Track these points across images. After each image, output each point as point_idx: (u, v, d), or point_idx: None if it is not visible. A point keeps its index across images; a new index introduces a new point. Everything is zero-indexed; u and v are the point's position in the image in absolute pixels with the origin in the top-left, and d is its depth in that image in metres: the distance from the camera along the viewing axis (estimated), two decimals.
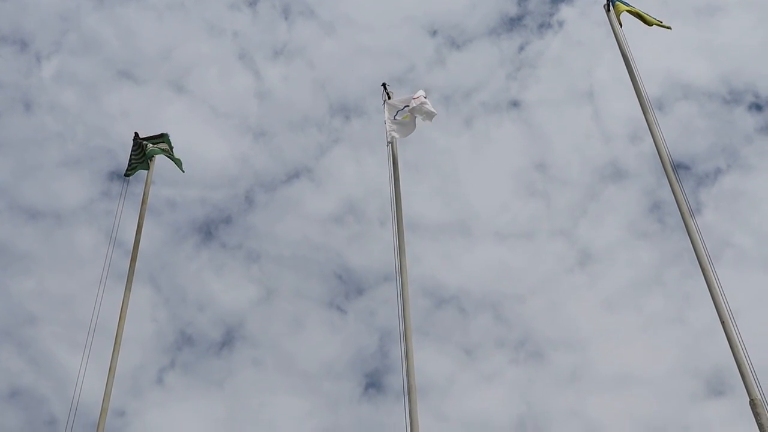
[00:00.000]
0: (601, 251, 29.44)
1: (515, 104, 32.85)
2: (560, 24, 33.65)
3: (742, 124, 30.20)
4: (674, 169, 11.80)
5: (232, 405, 28.65)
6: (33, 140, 30.31)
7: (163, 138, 15.58)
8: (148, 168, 15.05)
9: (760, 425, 8.73)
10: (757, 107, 30.04)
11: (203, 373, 28.93)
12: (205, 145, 30.56)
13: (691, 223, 11.10)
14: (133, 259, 12.40)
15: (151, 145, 15.29)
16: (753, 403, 8.91)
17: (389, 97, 14.43)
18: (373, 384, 28.17)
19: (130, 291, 11.95)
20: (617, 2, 14.47)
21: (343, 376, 28.84)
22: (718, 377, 26.62)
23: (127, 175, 15.25)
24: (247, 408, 28.41)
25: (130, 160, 15.38)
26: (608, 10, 14.39)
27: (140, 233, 13.10)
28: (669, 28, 14.71)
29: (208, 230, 29.52)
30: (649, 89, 13.83)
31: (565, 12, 33.95)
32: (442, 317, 28.07)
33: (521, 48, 33.65)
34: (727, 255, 26.65)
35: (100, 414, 10.55)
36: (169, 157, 15.51)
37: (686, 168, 28.76)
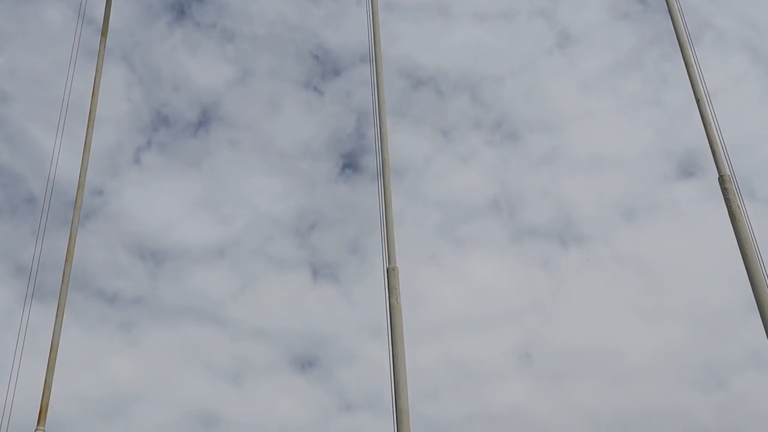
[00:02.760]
0: (581, 33, 29.21)
1: None
2: None
3: None
4: None
5: (209, 185, 29.01)
6: None
7: None
8: None
9: (727, 200, 8.96)
10: None
11: (180, 153, 29.11)
12: None
13: (673, 2, 10.94)
14: (104, 34, 12.14)
15: None
16: (722, 179, 9.11)
17: None
18: (349, 165, 28.47)
19: (102, 63, 11.78)
20: None
21: (319, 157, 29.10)
22: (690, 159, 27.12)
23: None
24: (224, 188, 28.80)
25: None
26: None
27: (110, 7, 12.80)
28: None
29: (180, 8, 28.86)
30: None
31: None
32: (418, 99, 28.11)
33: None
34: (707, 37, 26.51)
35: (77, 189, 10.64)
36: None
37: None
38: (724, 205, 9.18)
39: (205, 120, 28.86)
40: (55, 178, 11.29)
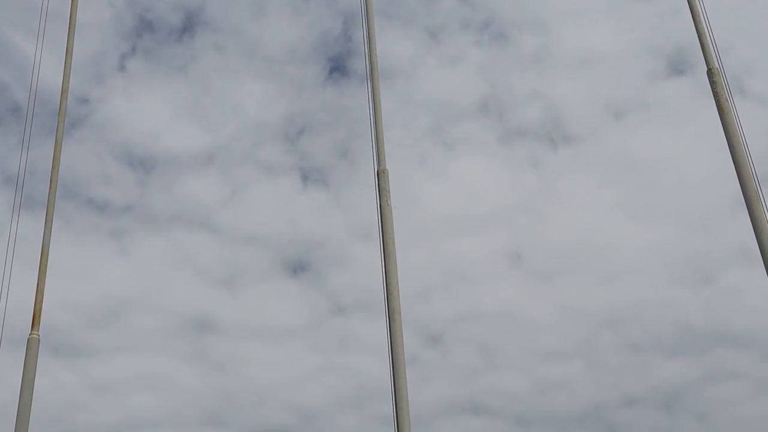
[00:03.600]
0: None
1: None
2: None
3: None
4: None
5: (196, 91, 28.74)
6: None
7: None
8: None
9: (715, 93, 8.90)
10: None
11: (166, 59, 28.75)
12: None
13: None
14: None
15: None
16: (710, 72, 9.03)
17: None
18: (337, 68, 28.21)
19: None
20: None
21: (306, 61, 28.79)
22: (680, 56, 26.94)
23: None
24: (211, 94, 28.53)
25: None
26: None
27: None
28: None
29: None
30: None
31: None
32: None
33: None
34: None
35: (61, 94, 10.53)
36: None
37: None
38: (713, 101, 9.13)
39: (189, 25, 28.45)
40: (39, 86, 11.17)
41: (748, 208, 8.65)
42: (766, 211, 8.57)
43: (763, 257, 8.40)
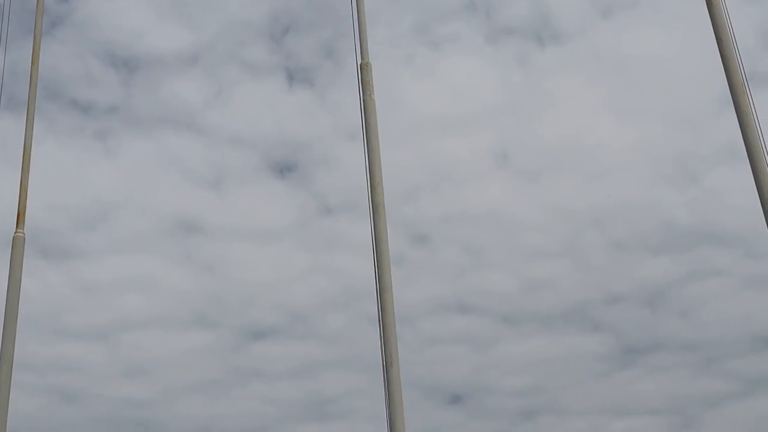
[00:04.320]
0: None
1: None
2: None
3: None
4: None
5: None
6: None
7: None
8: None
9: None
10: None
11: None
12: None
13: None
14: None
15: None
16: None
17: None
18: None
19: None
20: None
21: None
22: None
23: None
24: None
25: None
26: None
27: None
28: None
29: None
30: None
31: None
32: None
33: None
34: None
35: None
36: None
37: None
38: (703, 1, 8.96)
39: None
40: None
41: (734, 102, 8.60)
42: (752, 104, 8.53)
43: (748, 152, 8.39)
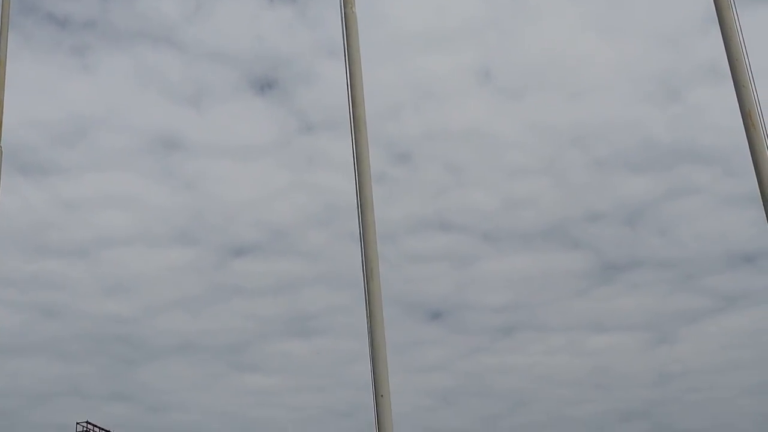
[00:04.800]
0: None
1: None
2: None
3: None
4: None
5: None
6: None
7: None
8: None
9: None
10: None
11: None
12: None
13: None
14: None
15: None
16: None
17: None
18: None
19: None
20: None
21: None
22: None
23: None
24: None
25: None
26: None
27: None
28: None
29: None
30: None
31: None
32: None
33: None
34: None
35: None
36: None
37: None
38: None
39: None
40: None
41: (719, 19, 8.53)
42: (737, 21, 8.46)
43: (731, 69, 8.35)
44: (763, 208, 9.13)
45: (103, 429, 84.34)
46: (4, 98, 8.99)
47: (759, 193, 9.17)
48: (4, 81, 9.13)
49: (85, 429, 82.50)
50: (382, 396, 8.68)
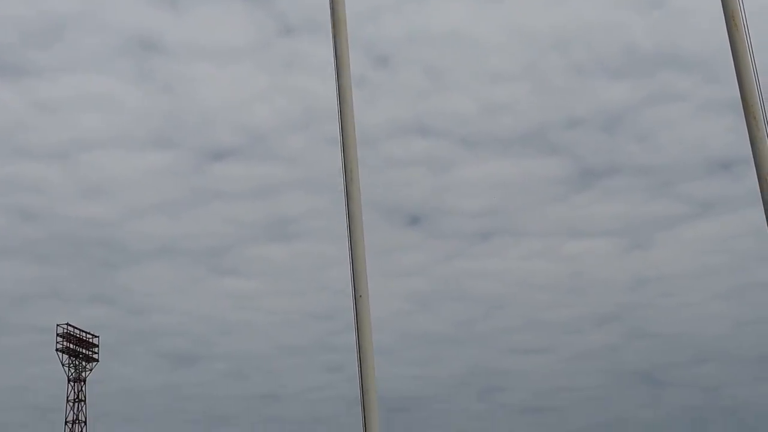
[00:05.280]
0: None
1: None
2: None
3: None
4: None
5: None
6: None
7: None
8: None
9: None
10: None
11: None
12: None
13: None
14: None
15: None
16: None
17: None
18: None
19: None
20: None
21: None
22: None
23: None
24: None
25: None
26: None
27: None
28: None
29: None
30: None
31: None
32: None
33: None
34: None
35: None
36: None
37: None
38: None
39: None
40: None
41: None
42: None
43: None
44: (743, 111, 9.16)
45: (83, 331, 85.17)
46: None
47: (739, 99, 9.20)
48: None
49: (65, 331, 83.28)
50: (360, 296, 8.81)
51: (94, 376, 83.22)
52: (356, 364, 8.80)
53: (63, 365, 79.01)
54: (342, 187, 9.23)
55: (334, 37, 8.37)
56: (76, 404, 79.68)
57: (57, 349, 77.96)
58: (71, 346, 78.81)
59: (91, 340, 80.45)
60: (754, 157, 9.29)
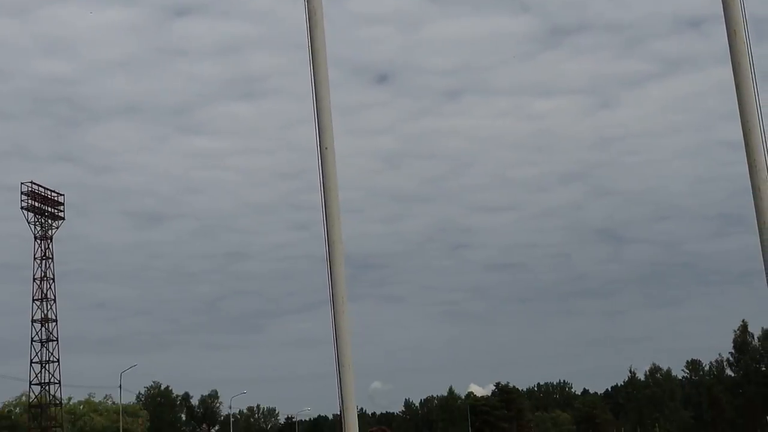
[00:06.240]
0: None
1: None
2: None
3: None
4: None
5: None
6: None
7: None
8: None
9: None
10: None
11: None
12: None
13: None
14: None
15: None
16: None
17: None
18: None
19: None
20: None
21: None
22: None
23: None
24: None
25: None
26: None
27: None
28: None
29: None
30: None
31: None
32: None
33: None
34: None
35: None
36: None
37: None
38: None
39: None
40: None
41: None
42: None
43: None
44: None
45: (48, 189, 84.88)
46: None
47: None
48: None
49: (30, 189, 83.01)
50: (326, 148, 8.70)
51: (61, 234, 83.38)
52: (322, 219, 8.73)
53: (29, 223, 78.95)
54: (306, 41, 9.05)
55: None
56: (44, 261, 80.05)
57: (22, 207, 77.74)
58: (36, 204, 78.58)
59: (56, 198, 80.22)
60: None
